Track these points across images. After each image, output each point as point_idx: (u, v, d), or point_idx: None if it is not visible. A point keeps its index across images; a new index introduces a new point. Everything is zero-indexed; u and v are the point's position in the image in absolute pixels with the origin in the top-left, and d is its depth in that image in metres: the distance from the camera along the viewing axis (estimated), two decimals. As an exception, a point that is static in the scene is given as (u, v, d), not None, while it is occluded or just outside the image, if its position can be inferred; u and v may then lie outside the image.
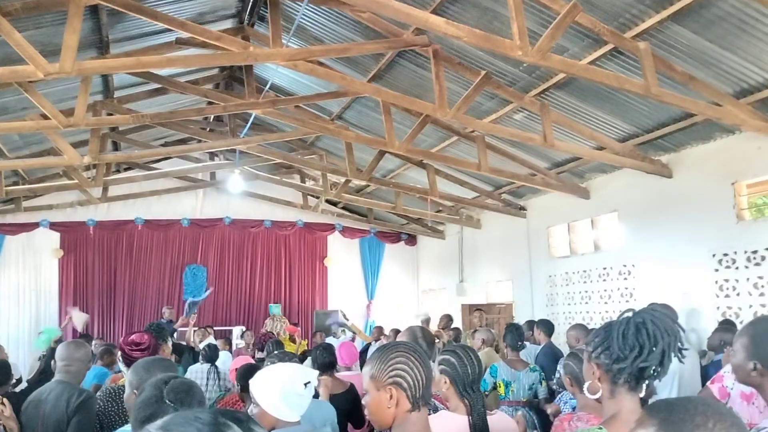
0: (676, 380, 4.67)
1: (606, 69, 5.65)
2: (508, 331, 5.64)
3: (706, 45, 5.24)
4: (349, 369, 5.27)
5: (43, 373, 6.35)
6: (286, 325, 11.49)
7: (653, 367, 1.82)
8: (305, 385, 2.48)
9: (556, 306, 9.55)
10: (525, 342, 6.12)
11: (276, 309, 12.17)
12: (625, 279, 8.16)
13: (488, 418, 2.65)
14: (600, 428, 1.84)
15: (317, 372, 2.62)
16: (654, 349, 1.79)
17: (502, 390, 5.20)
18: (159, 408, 1.83)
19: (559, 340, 8.93)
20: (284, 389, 2.47)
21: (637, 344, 1.81)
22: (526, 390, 5.23)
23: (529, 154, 8.55)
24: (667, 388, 4.65)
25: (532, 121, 7.45)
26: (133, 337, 3.60)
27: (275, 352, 5.07)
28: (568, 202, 9.07)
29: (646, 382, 1.86)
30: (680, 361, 1.87)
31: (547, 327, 6.76)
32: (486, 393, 5.10)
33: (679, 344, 1.84)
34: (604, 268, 8.57)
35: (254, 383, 2.59)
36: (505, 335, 5.65)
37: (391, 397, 1.87)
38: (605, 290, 8.53)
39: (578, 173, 8.86)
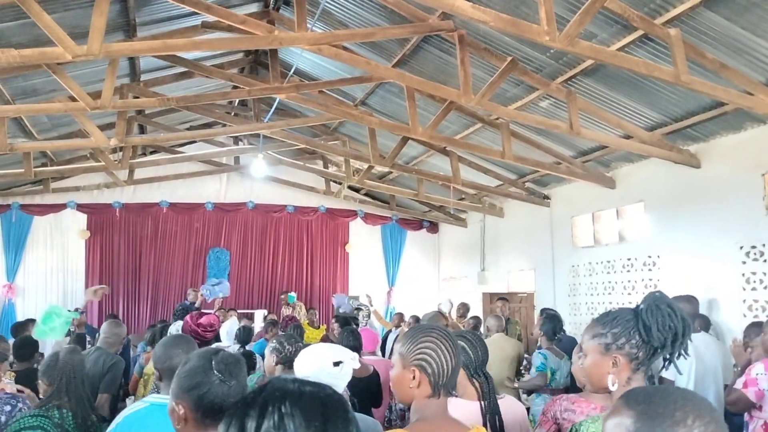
0: (692, 376, 4.63)
1: (635, 56, 5.54)
2: (547, 320, 5.62)
3: (738, 32, 5.11)
4: (372, 354, 5.29)
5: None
6: (303, 311, 11.57)
7: (678, 353, 1.85)
8: (335, 364, 2.50)
9: (579, 296, 9.48)
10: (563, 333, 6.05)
11: (292, 297, 12.22)
12: (650, 270, 8.06)
13: (498, 401, 2.68)
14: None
15: (352, 353, 2.63)
16: (686, 333, 1.83)
17: (548, 378, 5.23)
18: (206, 377, 1.85)
19: (580, 330, 8.88)
20: (316, 368, 2.51)
21: (672, 328, 1.83)
22: (565, 377, 5.26)
23: (554, 142, 8.46)
24: (684, 378, 4.60)
25: (558, 109, 7.36)
26: (204, 320, 3.92)
27: (280, 334, 5.15)
28: (593, 191, 8.97)
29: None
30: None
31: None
32: (545, 373, 5.17)
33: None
34: (629, 259, 8.47)
35: (296, 363, 2.64)
36: (542, 323, 5.64)
37: (413, 377, 1.90)
38: (629, 281, 8.43)
39: (604, 162, 8.74)
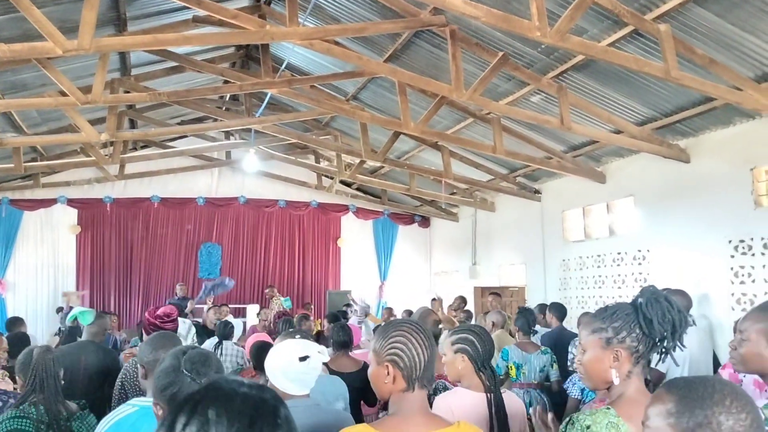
0: (687, 364, 4.67)
1: (625, 51, 5.57)
2: (520, 315, 5.67)
3: (727, 28, 5.15)
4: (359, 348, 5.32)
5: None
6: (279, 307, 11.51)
7: (674, 344, 1.90)
8: (301, 359, 2.50)
9: (569, 290, 9.54)
10: (535, 328, 6.15)
11: (287, 303, 12.16)
12: (640, 264, 8.13)
13: None
14: (608, 408, 1.85)
15: (318, 346, 2.64)
16: (683, 323, 1.87)
17: (513, 372, 5.23)
18: (177, 377, 1.87)
19: (570, 324, 8.94)
20: (283, 364, 2.52)
21: (671, 320, 1.87)
22: (537, 372, 5.25)
23: (546, 136, 8.49)
24: (678, 370, 4.65)
25: (549, 104, 7.39)
26: (161, 311, 3.85)
27: (284, 331, 5.17)
28: (584, 185, 9.02)
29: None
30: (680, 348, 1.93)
31: (560, 311, 6.76)
32: (500, 377, 5.14)
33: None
34: (619, 253, 8.53)
35: (266, 359, 2.66)
36: (516, 319, 5.68)
37: (387, 373, 1.91)
38: (619, 275, 8.50)
39: (594, 157, 8.79)
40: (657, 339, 1.88)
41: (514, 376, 5.23)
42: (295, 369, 2.50)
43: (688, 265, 7.25)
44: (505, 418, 2.61)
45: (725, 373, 3.60)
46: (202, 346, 6.29)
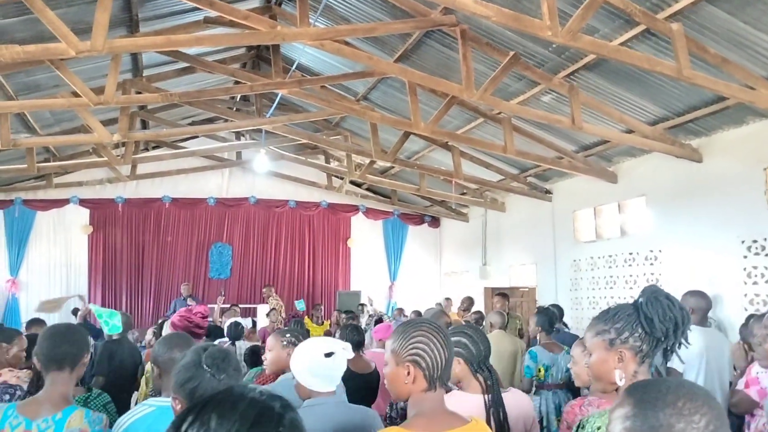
0: (702, 369, 4.63)
1: (637, 50, 5.54)
2: (541, 314, 5.59)
3: (740, 26, 5.11)
4: (382, 347, 5.26)
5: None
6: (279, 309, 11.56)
7: (680, 342, 1.88)
8: (326, 355, 2.52)
9: (581, 291, 9.50)
10: (559, 326, 6.04)
11: (300, 305, 12.19)
12: (652, 264, 8.08)
13: (503, 395, 2.69)
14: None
15: (342, 343, 2.65)
16: (685, 322, 1.87)
17: (542, 374, 5.18)
18: (197, 372, 1.89)
19: (582, 324, 8.92)
20: (309, 361, 2.54)
21: (673, 318, 1.86)
22: (564, 372, 5.21)
23: (557, 136, 8.47)
24: (691, 376, 4.61)
25: (561, 103, 7.36)
26: (200, 308, 3.96)
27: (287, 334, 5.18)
28: (595, 185, 8.98)
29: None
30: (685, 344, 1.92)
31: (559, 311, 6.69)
32: (532, 379, 5.11)
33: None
34: (630, 253, 8.49)
35: (291, 358, 2.66)
36: (537, 318, 5.60)
37: (408, 373, 1.90)
38: (630, 275, 8.46)
39: (606, 157, 8.75)
40: (660, 338, 1.87)
41: (542, 378, 5.18)
42: (321, 365, 2.51)
43: (700, 266, 7.20)
44: (504, 418, 2.60)
45: (752, 391, 3.60)
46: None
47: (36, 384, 2.84)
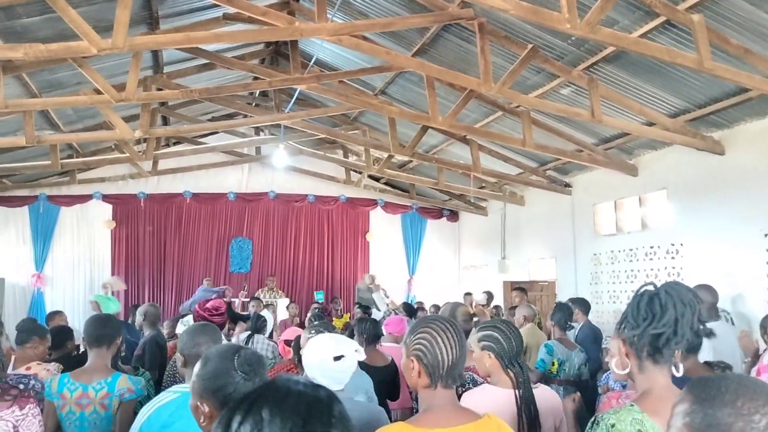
0: (710, 356, 4.59)
1: (657, 42, 5.49)
2: (557, 310, 5.59)
3: (762, 17, 5.03)
4: (396, 342, 5.26)
5: None
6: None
7: (667, 336, 1.83)
8: (336, 359, 2.54)
9: (601, 284, 9.44)
10: (573, 323, 6.03)
11: (319, 296, 12.25)
12: (673, 258, 8.01)
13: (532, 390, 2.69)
14: (632, 405, 1.85)
15: (355, 345, 2.67)
16: (664, 317, 1.83)
17: (555, 368, 5.17)
18: (230, 378, 1.89)
19: (602, 319, 8.86)
20: (318, 361, 2.56)
21: (649, 313, 1.86)
22: (575, 370, 5.21)
23: (576, 129, 8.40)
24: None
25: (580, 96, 7.31)
26: (210, 304, 4.26)
27: (315, 323, 5.21)
28: (616, 179, 8.90)
29: (673, 356, 1.87)
30: (702, 336, 1.90)
31: (584, 305, 6.63)
32: (544, 373, 5.10)
33: (698, 317, 1.85)
34: (651, 247, 8.41)
35: (303, 353, 2.71)
36: (553, 314, 5.60)
37: (413, 366, 1.96)
38: (651, 269, 8.38)
39: (626, 149, 8.67)
40: (640, 328, 1.86)
41: (555, 372, 5.18)
42: (330, 367, 2.54)
43: (722, 259, 7.12)
44: (535, 414, 2.60)
45: (765, 377, 3.57)
46: (233, 339, 6.44)
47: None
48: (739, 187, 6.94)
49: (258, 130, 12.68)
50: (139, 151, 10.19)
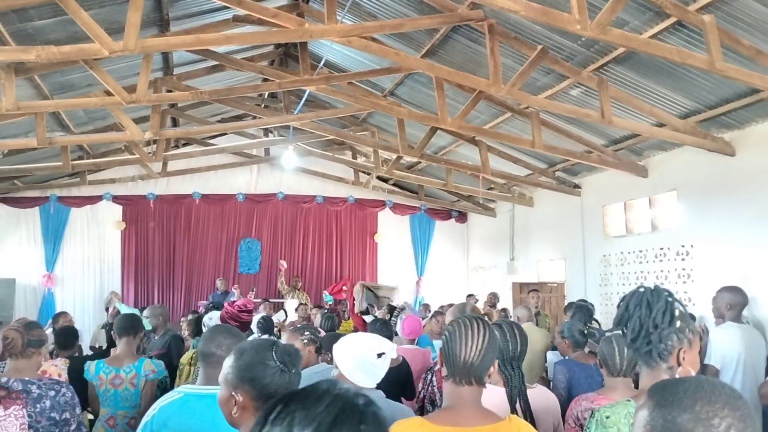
0: (740, 365, 4.57)
1: (668, 43, 5.46)
2: (577, 311, 5.52)
3: (776, 17, 5.01)
4: (411, 343, 5.23)
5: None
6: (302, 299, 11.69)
7: (637, 341, 1.89)
8: (378, 355, 2.56)
9: (610, 286, 9.40)
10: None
11: (328, 298, 12.26)
12: (683, 260, 7.96)
13: (528, 391, 2.70)
14: (628, 400, 1.96)
15: (391, 344, 2.69)
16: (629, 321, 1.91)
17: None
18: (266, 369, 1.92)
19: (611, 321, 8.81)
20: (360, 357, 2.59)
21: (619, 317, 1.96)
22: None
23: (586, 130, 8.38)
24: (730, 373, 4.56)
25: (590, 97, 7.29)
26: (240, 302, 4.74)
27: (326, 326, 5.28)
28: (625, 180, 8.87)
29: (659, 359, 1.87)
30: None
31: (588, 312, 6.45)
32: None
33: (660, 319, 1.86)
34: (661, 249, 8.37)
35: (336, 348, 2.70)
36: (572, 315, 5.54)
37: (440, 354, 2.05)
38: (662, 271, 8.34)
39: (636, 151, 8.64)
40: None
41: None
42: (372, 363, 2.57)
43: (733, 261, 7.07)
44: (529, 411, 2.61)
45: None
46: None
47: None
48: (749, 189, 6.90)
49: (267, 132, 12.73)
50: (149, 153, 10.25)
